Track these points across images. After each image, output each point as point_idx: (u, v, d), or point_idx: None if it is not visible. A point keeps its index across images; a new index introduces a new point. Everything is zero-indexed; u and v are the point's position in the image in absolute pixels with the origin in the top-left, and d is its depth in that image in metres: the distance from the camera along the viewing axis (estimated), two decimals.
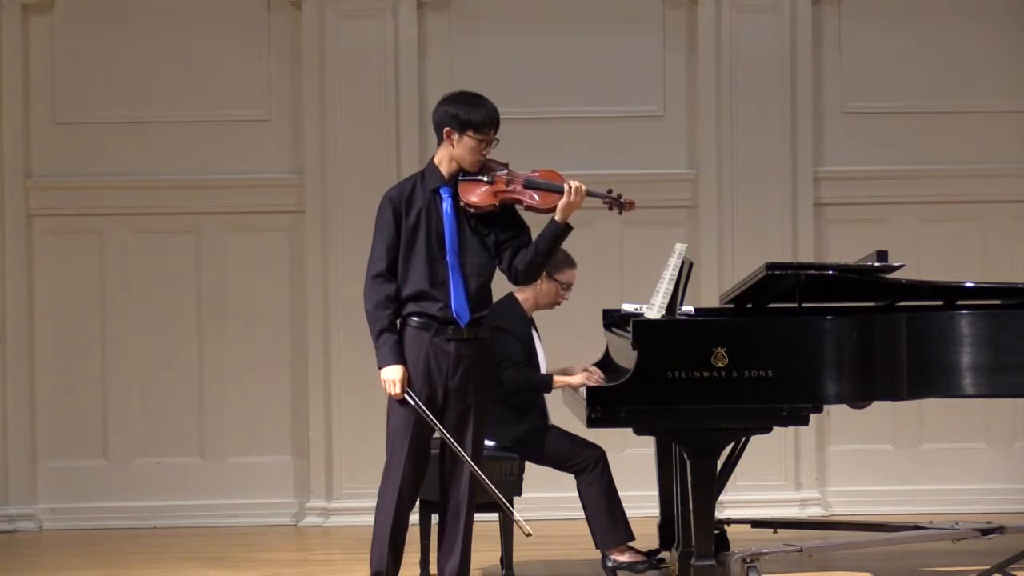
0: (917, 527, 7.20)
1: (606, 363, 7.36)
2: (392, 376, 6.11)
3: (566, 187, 6.10)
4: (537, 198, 6.16)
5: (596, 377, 7.01)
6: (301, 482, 8.88)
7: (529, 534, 6.12)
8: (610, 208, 6.26)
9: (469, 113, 6.11)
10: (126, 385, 8.88)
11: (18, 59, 8.77)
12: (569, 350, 7.69)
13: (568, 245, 8.48)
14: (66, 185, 8.84)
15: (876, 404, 6.73)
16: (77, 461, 8.87)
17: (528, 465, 7.11)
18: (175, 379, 8.89)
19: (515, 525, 6.23)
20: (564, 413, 7.31)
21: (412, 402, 6.10)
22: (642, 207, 8.80)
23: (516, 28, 8.90)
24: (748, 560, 6.66)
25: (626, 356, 6.58)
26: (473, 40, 8.88)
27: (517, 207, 6.22)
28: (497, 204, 6.15)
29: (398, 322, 6.19)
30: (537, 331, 7.27)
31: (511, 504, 6.74)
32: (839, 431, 8.86)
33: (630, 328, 6.42)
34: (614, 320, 7.35)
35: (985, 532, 7.13)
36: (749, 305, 7.04)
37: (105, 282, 8.88)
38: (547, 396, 7.22)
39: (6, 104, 8.77)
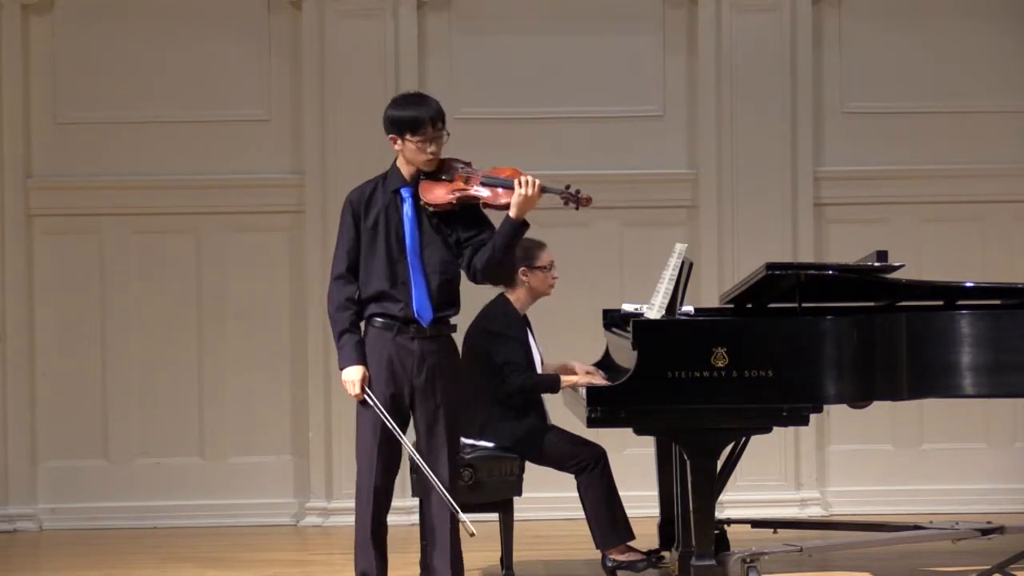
0: (917, 527, 7.20)
1: (606, 363, 7.36)
2: (352, 377, 6.09)
3: (517, 182, 6.01)
4: (495, 195, 6.05)
5: (599, 377, 7.03)
6: (301, 482, 8.88)
7: (472, 534, 5.98)
8: (566, 204, 6.11)
9: (403, 116, 6.06)
10: (126, 385, 8.88)
11: (18, 59, 8.77)
12: (569, 350, 7.68)
13: (568, 245, 8.54)
14: (66, 185, 8.85)
15: (876, 404, 6.73)
16: (77, 461, 8.87)
17: (528, 465, 7.10)
18: (175, 379, 8.89)
19: (461, 526, 6.02)
20: (564, 413, 7.31)
21: (371, 403, 6.09)
22: (642, 207, 8.91)
23: (516, 28, 8.90)
24: (748, 560, 6.66)
25: (626, 356, 6.58)
26: (473, 40, 8.88)
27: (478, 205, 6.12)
28: (455, 202, 6.07)
29: (362, 324, 6.16)
30: (531, 331, 7.26)
31: (456, 504, 6.34)
32: (839, 431, 8.86)
33: (630, 328, 6.41)
34: (614, 320, 7.35)
35: (985, 532, 7.13)
36: (749, 305, 7.04)
37: (105, 282, 8.88)
38: (546, 396, 7.21)
39: (6, 104, 8.77)
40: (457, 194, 6.07)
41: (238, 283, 8.90)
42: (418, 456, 6.09)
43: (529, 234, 7.24)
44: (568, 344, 7.98)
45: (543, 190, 6.03)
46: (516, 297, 7.21)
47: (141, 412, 8.89)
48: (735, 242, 8.78)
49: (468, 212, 6.11)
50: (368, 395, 6.08)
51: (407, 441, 6.09)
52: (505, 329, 7.09)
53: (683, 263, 6.68)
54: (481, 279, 6.14)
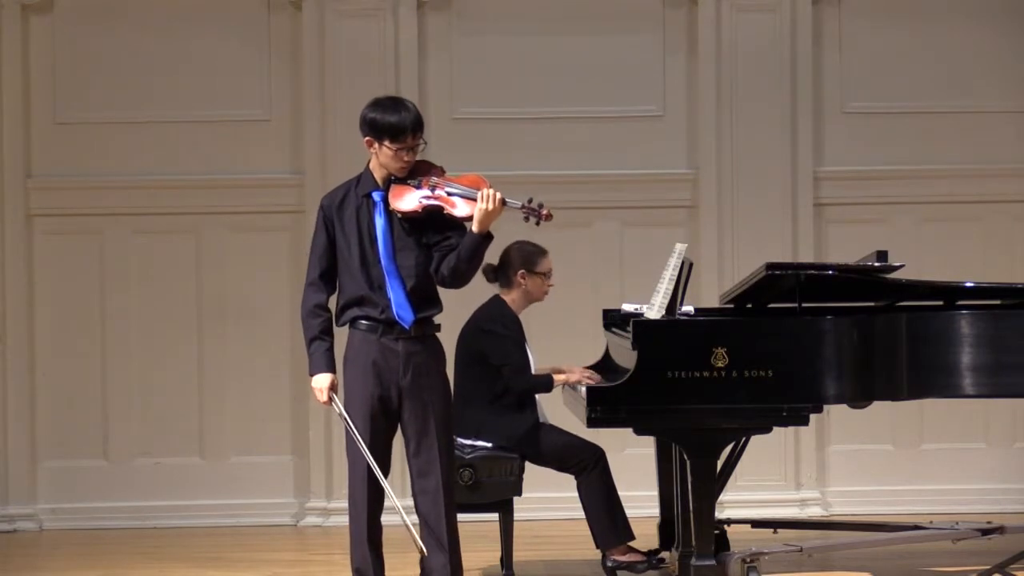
0: (917, 527, 7.20)
1: (606, 363, 7.36)
2: (320, 384, 6.09)
3: (479, 196, 5.94)
4: (459, 206, 5.99)
5: (591, 374, 7.04)
6: (301, 482, 8.88)
7: (423, 552, 5.95)
8: (526, 219, 6.05)
9: (384, 122, 5.99)
10: (126, 385, 8.88)
11: (18, 59, 8.77)
12: (569, 350, 7.69)
13: (568, 245, 8.54)
14: (66, 185, 8.85)
15: (876, 404, 6.73)
16: (77, 461, 8.87)
17: (528, 465, 7.10)
18: (175, 379, 8.89)
19: (413, 537, 5.98)
20: (564, 413, 7.31)
21: (337, 411, 6.08)
22: (642, 207, 8.91)
23: (516, 28, 8.90)
24: (748, 560, 6.66)
25: (626, 356, 6.58)
26: (473, 40, 8.88)
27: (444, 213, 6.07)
28: (421, 211, 6.02)
29: (346, 327, 6.12)
30: (523, 332, 7.24)
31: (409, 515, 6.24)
32: (839, 431, 8.86)
33: (630, 328, 6.41)
34: (614, 320, 7.34)
35: (985, 532, 7.13)
36: (749, 305, 7.04)
37: (105, 282, 8.88)
38: (542, 395, 7.20)
39: (6, 104, 8.77)
40: (424, 203, 6.01)
41: (238, 283, 8.90)
42: (369, 454, 6.00)
43: (531, 238, 7.24)
44: (568, 344, 7.97)
45: (504, 204, 5.97)
46: (511, 299, 7.21)
47: (141, 412, 8.89)
48: (735, 242, 8.78)
49: (435, 217, 6.07)
50: (335, 402, 6.08)
51: (368, 453, 5.98)
52: (503, 329, 7.09)
53: (683, 263, 6.68)
54: (450, 286, 6.10)
